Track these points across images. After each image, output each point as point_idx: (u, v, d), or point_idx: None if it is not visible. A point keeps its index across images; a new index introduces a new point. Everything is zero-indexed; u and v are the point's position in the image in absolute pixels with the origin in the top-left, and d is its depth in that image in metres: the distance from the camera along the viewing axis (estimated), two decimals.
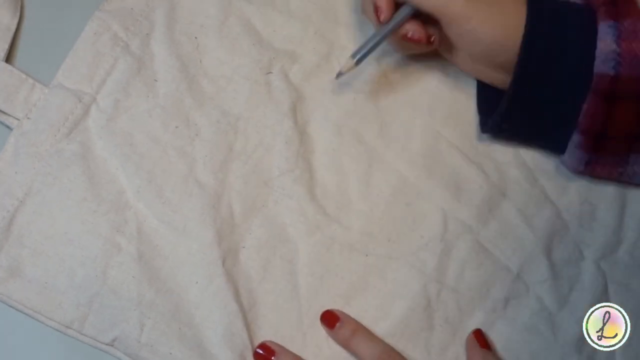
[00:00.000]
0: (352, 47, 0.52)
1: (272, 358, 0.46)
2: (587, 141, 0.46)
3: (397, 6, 0.46)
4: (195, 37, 0.51)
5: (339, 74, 0.48)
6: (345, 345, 0.47)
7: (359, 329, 0.46)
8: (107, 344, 0.46)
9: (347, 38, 0.53)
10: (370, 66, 0.52)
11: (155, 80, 0.50)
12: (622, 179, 0.49)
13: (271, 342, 0.46)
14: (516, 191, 0.50)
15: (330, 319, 0.47)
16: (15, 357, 0.46)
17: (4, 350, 0.46)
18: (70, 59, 0.50)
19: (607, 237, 0.50)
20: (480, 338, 0.47)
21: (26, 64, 0.50)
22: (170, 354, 0.45)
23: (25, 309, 0.46)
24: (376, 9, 0.45)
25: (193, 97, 0.50)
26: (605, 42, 0.44)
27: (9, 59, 0.50)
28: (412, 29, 0.46)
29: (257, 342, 0.46)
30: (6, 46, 0.50)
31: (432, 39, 0.48)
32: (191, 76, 0.51)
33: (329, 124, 0.51)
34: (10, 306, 0.46)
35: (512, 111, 0.47)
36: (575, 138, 0.47)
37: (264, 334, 0.47)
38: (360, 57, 0.47)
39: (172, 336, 0.46)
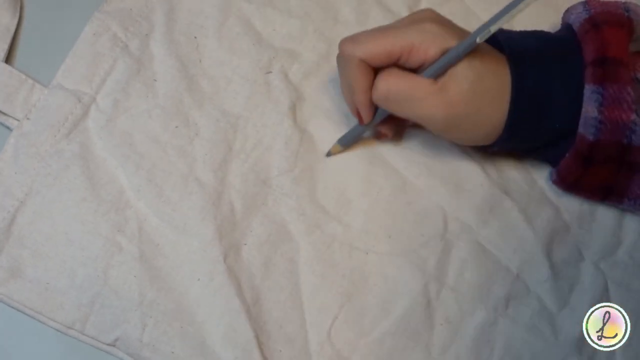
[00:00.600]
0: None
1: None
2: (562, 184, 0.49)
3: (376, 106, 0.47)
4: (195, 37, 0.51)
5: (329, 154, 0.50)
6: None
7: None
8: (108, 344, 0.46)
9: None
10: None
11: (155, 81, 0.50)
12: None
13: None
14: (516, 191, 0.50)
15: None
16: (15, 358, 0.46)
17: (4, 351, 0.46)
18: (69, 59, 0.49)
19: (606, 238, 0.50)
20: None
21: (26, 64, 0.50)
22: (173, 352, 0.45)
23: (26, 309, 0.46)
24: (358, 114, 0.47)
25: (192, 97, 0.50)
26: (588, 108, 0.44)
27: (8, 59, 0.50)
28: (386, 130, 0.49)
29: (260, 339, 0.46)
30: (6, 46, 0.49)
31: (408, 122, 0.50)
32: (190, 76, 0.50)
33: (328, 123, 0.51)
34: (11, 307, 0.46)
35: (496, 145, 0.47)
36: (554, 173, 0.49)
37: (267, 331, 0.47)
38: (346, 143, 0.50)
39: (174, 335, 0.46)
